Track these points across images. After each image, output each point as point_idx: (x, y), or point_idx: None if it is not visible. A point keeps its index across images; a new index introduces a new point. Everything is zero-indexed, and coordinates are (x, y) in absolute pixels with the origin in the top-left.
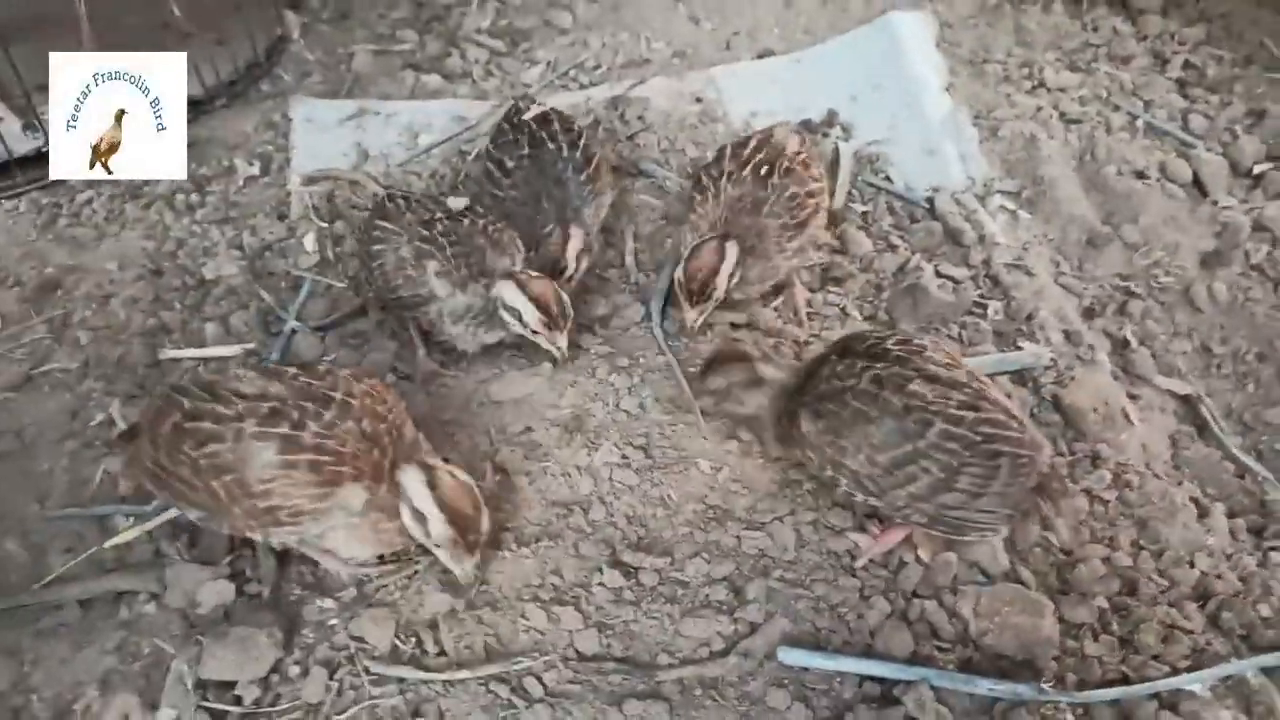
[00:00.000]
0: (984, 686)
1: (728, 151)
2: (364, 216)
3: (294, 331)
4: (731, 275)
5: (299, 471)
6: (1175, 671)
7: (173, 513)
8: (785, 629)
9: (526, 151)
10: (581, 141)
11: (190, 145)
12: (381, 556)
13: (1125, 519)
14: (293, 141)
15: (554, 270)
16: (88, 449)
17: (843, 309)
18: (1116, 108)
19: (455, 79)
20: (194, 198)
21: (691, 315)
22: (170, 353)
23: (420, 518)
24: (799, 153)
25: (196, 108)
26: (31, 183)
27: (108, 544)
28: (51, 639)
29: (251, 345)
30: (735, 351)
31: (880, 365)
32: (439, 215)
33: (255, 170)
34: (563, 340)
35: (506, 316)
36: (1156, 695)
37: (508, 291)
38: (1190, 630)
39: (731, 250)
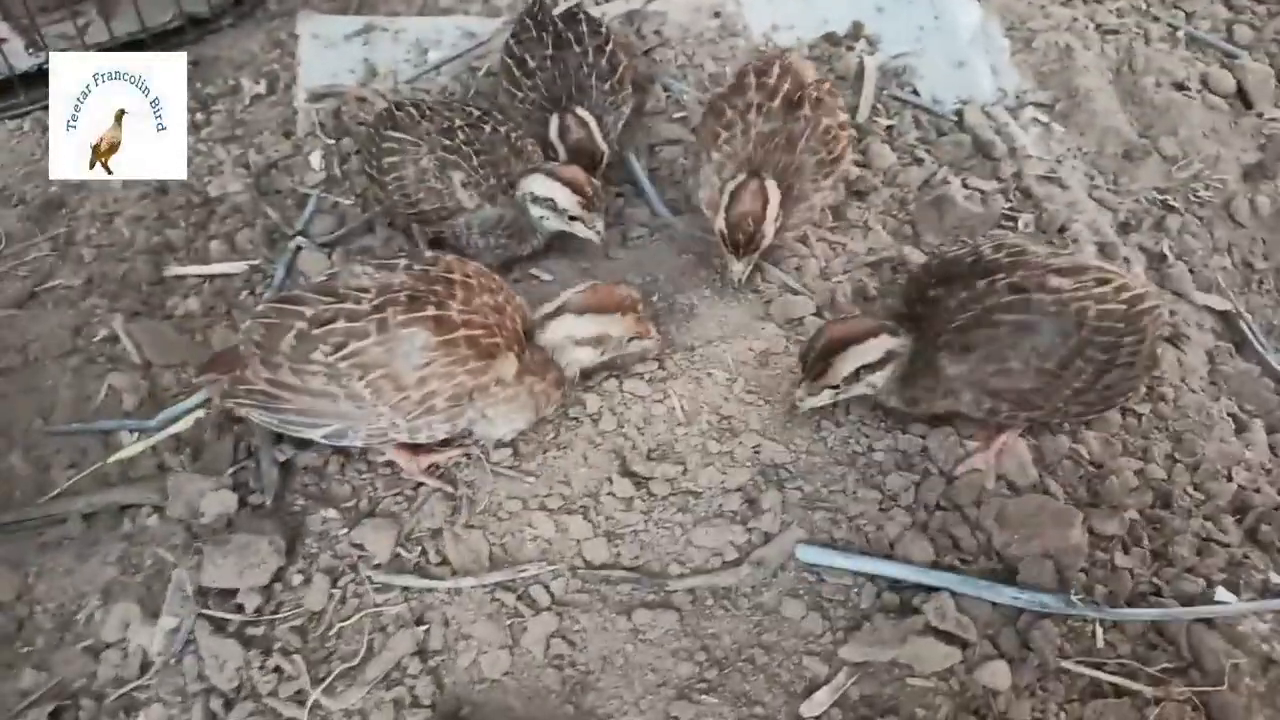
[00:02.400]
0: (1008, 595)
1: (751, 80)
2: (367, 131)
3: (300, 248)
4: (776, 219)
5: (459, 349)
6: (1210, 585)
7: (177, 426)
8: (801, 539)
9: (550, 52)
10: (608, 47)
11: (196, 64)
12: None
13: (1159, 433)
14: (299, 57)
15: (588, 163)
16: (91, 364)
17: (865, 222)
18: (1156, 19)
19: None
20: (199, 116)
21: (739, 268)
22: (175, 269)
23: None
24: (820, 80)
25: (203, 26)
26: (35, 102)
27: (111, 458)
28: (55, 551)
29: (257, 262)
30: (847, 331)
31: (1005, 276)
32: (459, 124)
33: (261, 89)
34: (599, 223)
35: (537, 211)
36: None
37: (537, 183)
38: (1226, 544)
39: (773, 191)
